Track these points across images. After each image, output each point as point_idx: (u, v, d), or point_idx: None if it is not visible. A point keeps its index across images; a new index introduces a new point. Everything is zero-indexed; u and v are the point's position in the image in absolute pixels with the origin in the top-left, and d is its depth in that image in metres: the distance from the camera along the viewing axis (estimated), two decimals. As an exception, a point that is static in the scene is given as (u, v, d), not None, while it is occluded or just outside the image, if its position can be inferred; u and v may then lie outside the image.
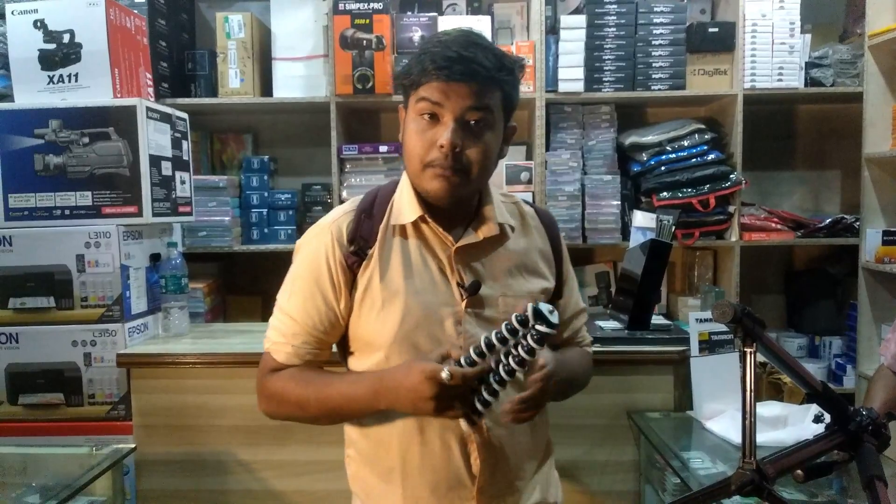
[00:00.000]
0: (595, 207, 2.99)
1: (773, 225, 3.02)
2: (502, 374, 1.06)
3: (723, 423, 1.76)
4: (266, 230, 3.06)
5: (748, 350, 1.02)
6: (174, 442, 2.00)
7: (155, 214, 2.15)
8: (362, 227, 1.19)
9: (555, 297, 1.32)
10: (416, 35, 2.98)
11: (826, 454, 1.10)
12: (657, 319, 2.18)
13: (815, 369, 3.04)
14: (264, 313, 3.25)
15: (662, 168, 2.93)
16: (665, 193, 2.91)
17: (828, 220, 3.02)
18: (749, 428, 1.01)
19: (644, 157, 2.96)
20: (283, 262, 3.09)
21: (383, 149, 2.98)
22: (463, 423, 1.14)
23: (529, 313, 1.04)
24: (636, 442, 1.94)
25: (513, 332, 1.06)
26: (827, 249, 3.21)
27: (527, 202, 1.35)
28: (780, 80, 2.93)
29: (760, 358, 1.07)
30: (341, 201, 2.98)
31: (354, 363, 1.25)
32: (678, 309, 3.03)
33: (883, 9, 2.83)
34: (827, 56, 2.99)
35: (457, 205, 1.19)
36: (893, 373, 1.78)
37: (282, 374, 1.22)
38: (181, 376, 2.00)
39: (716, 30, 2.94)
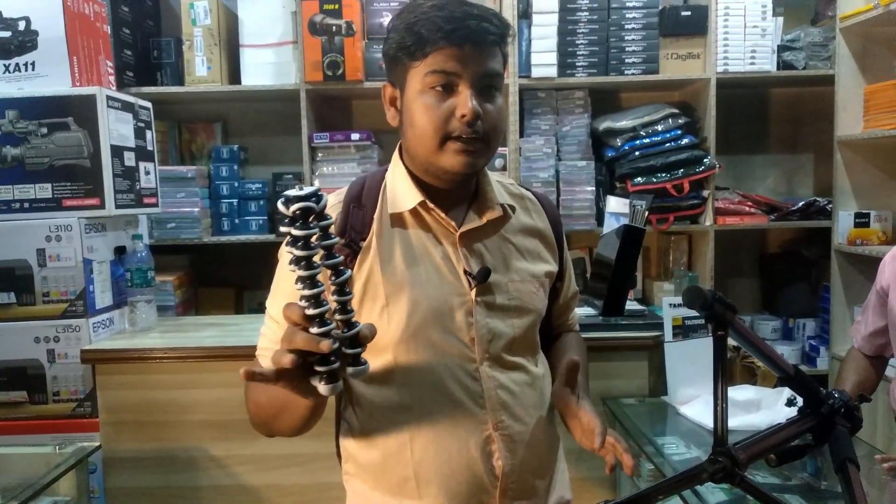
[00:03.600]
0: (570, 193, 2.97)
1: (747, 209, 3.02)
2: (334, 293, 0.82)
3: (696, 407, 1.76)
4: (237, 221, 3.01)
5: (719, 335, 1.00)
6: (143, 438, 1.96)
7: (118, 206, 2.09)
8: (353, 218, 1.09)
9: (556, 280, 1.26)
10: (387, 20, 2.92)
11: (799, 437, 1.09)
12: (632, 305, 2.18)
13: (789, 351, 3.06)
14: (237, 305, 3.21)
15: (636, 153, 2.91)
16: (639, 178, 2.90)
17: (801, 204, 3.03)
18: (721, 414, 1.00)
19: (618, 142, 2.95)
20: (255, 252, 3.15)
21: (355, 136, 2.93)
22: (322, 388, 0.81)
23: (292, 200, 0.78)
24: (611, 428, 1.93)
25: (296, 241, 0.79)
26: (800, 232, 3.23)
27: (523, 185, 1.28)
28: (752, 63, 2.93)
29: (734, 342, 1.06)
30: (313, 190, 2.94)
31: None
32: (654, 294, 3.03)
33: (854, -9, 2.83)
34: (799, 39, 2.99)
35: (464, 183, 1.11)
36: (864, 355, 1.79)
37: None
38: (149, 371, 1.96)
39: (689, 13, 2.93)
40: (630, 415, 1.80)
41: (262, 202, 3.02)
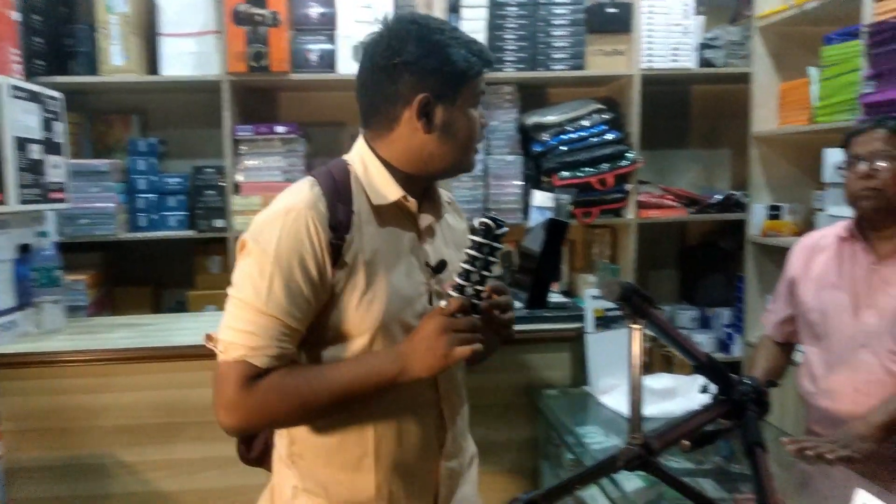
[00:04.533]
0: (498, 188, 2.98)
1: (668, 202, 3.10)
2: (479, 287, 1.12)
3: (617, 397, 1.78)
4: (155, 216, 2.90)
5: (635, 327, 1.01)
6: (49, 446, 1.86)
7: (22, 202, 1.98)
8: (339, 210, 1.14)
9: None
10: (314, 11, 2.87)
11: (711, 423, 1.11)
12: (556, 297, 2.19)
13: (706, 340, 3.15)
14: (155, 304, 3.09)
15: (563, 148, 2.94)
16: (565, 173, 2.93)
17: (719, 197, 3.12)
18: (635, 404, 1.01)
19: (545, 137, 2.97)
20: (174, 249, 3.05)
21: (280, 129, 2.86)
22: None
23: (488, 221, 1.11)
24: (534, 420, 1.94)
25: (479, 246, 1.11)
26: (718, 225, 3.32)
27: None
28: (675, 60, 3.00)
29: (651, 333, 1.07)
30: (236, 184, 2.87)
31: (329, 353, 1.17)
32: (579, 286, 3.07)
33: (770, -9, 2.92)
34: (719, 37, 3.07)
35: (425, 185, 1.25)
36: (774, 342, 1.85)
37: (272, 378, 1.10)
38: (55, 376, 1.86)
39: (614, 10, 2.97)
40: (552, 406, 1.81)
41: (181, 197, 2.92)
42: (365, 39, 1.21)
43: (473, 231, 1.11)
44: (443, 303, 1.10)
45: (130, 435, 1.87)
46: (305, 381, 1.12)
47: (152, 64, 2.89)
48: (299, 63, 2.87)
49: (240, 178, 2.88)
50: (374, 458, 1.19)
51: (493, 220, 1.11)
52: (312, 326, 1.15)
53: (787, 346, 1.86)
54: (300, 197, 1.13)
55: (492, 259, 1.12)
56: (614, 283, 1.01)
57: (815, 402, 1.69)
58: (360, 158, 1.20)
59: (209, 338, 1.17)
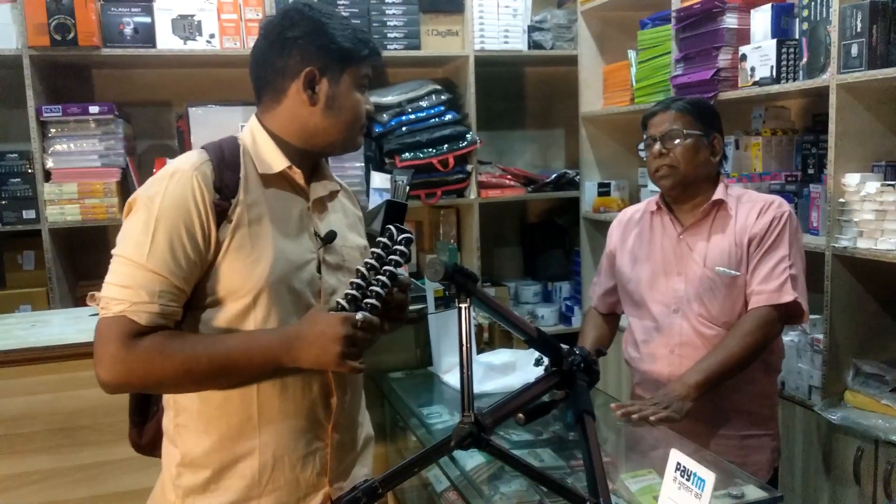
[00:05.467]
0: (339, 170, 2.91)
1: (508, 182, 3.19)
2: (380, 290, 1.15)
3: (459, 375, 1.80)
4: (-48, 209, 2.57)
5: (462, 305, 1.01)
6: None
7: None
8: (224, 175, 1.19)
9: None
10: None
11: (546, 395, 1.15)
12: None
13: (549, 312, 3.29)
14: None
15: (403, 129, 2.93)
16: (407, 154, 2.92)
17: (554, 176, 3.26)
18: (466, 381, 1.01)
19: (385, 117, 2.94)
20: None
21: (94, 109, 2.62)
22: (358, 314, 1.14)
23: (394, 230, 1.17)
24: (381, 405, 1.93)
25: (384, 248, 1.16)
26: (555, 202, 3.47)
27: None
28: (506, 42, 3.07)
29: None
30: (46, 171, 2.60)
31: (212, 315, 1.18)
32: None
33: (593, -24, 3.06)
34: (546, 20, 3.18)
35: (313, 160, 1.30)
36: (599, 313, 1.95)
37: (154, 338, 1.12)
38: None
39: (446, -10, 2.99)
40: (397, 388, 1.80)
41: (-16, 186, 2.61)
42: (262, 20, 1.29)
43: (380, 235, 1.18)
44: (360, 315, 1.12)
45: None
46: (190, 345, 1.13)
47: (-64, 35, 2.54)
48: (112, 37, 2.63)
49: (50, 163, 2.61)
50: (257, 421, 1.20)
51: (398, 227, 1.18)
52: (196, 288, 1.17)
53: (611, 317, 1.96)
54: (186, 160, 1.19)
55: (395, 263, 1.17)
56: (437, 263, 1.00)
57: (638, 367, 1.80)
58: (250, 132, 1.27)
59: (92, 297, 1.18)
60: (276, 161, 1.23)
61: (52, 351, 1.71)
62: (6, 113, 2.74)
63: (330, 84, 1.24)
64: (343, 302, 1.14)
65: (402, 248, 1.17)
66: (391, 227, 1.18)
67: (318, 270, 1.24)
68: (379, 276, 1.15)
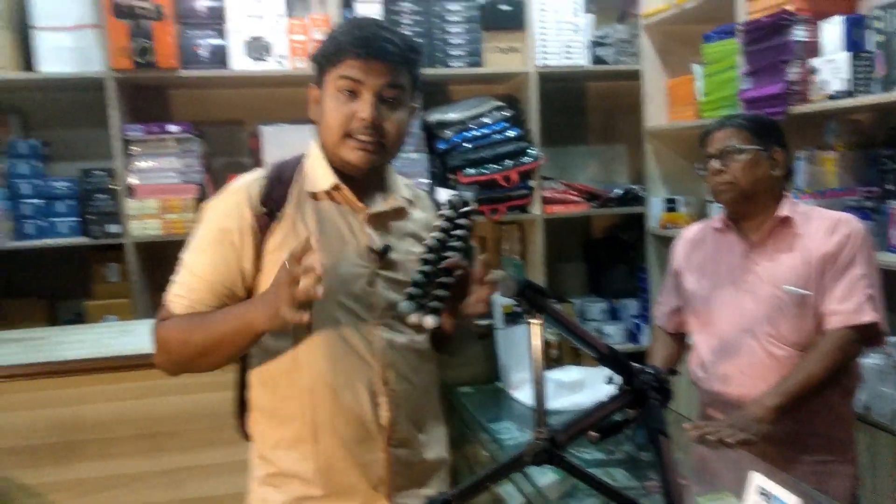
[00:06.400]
0: (404, 186, 2.97)
1: (571, 197, 3.18)
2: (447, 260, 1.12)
3: (528, 391, 1.81)
4: (43, 223, 2.73)
5: (534, 322, 1.03)
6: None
7: None
8: (274, 191, 1.25)
9: None
10: (200, 4, 2.77)
11: (617, 413, 1.15)
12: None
13: (616, 330, 3.25)
14: (52, 316, 2.92)
15: (467, 145, 2.97)
16: (470, 170, 2.96)
17: (618, 191, 3.24)
18: (539, 398, 1.03)
19: (449, 134, 2.99)
20: (68, 257, 2.87)
21: (174, 129, 2.75)
22: (428, 319, 1.09)
23: (456, 199, 1.14)
24: (449, 418, 1.95)
25: (445, 226, 1.13)
26: (619, 218, 3.44)
27: (417, 185, 1.46)
28: (568, 58, 3.08)
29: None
30: (129, 187, 2.73)
31: None
32: (489, 282, 3.11)
33: (655, -10, 3.05)
34: (608, 35, 3.18)
35: (369, 175, 1.27)
36: (665, 332, 1.94)
37: (171, 320, 1.25)
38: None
39: (508, 8, 3.02)
40: (466, 403, 1.82)
41: (71, 202, 2.75)
42: None
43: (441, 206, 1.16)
44: (286, 254, 1.10)
45: (27, 456, 1.78)
46: (189, 320, 1.23)
47: (27, 59, 2.70)
48: (188, 59, 2.76)
49: (133, 180, 2.74)
50: (311, 427, 1.24)
51: (460, 197, 1.15)
52: (250, 296, 1.25)
53: (679, 336, 1.94)
54: (243, 178, 1.29)
55: (457, 233, 1.13)
56: (510, 279, 1.02)
57: (706, 387, 1.78)
58: (311, 148, 1.30)
59: None
60: (323, 178, 1.26)
61: (141, 359, 1.80)
62: (91, 132, 2.88)
63: (320, 90, 1.25)
64: (404, 302, 1.10)
65: (464, 220, 1.14)
66: (450, 198, 1.15)
67: (371, 284, 1.25)
68: (443, 256, 1.11)
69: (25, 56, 2.70)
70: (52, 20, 2.66)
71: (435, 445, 1.37)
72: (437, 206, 1.41)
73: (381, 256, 1.26)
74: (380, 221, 1.29)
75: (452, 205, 1.14)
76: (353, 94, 1.20)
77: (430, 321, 1.09)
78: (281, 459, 1.27)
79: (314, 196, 1.27)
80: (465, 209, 1.14)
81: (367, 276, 1.25)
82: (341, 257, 1.24)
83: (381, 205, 1.29)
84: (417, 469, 1.31)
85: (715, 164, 1.70)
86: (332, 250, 1.24)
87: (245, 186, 1.26)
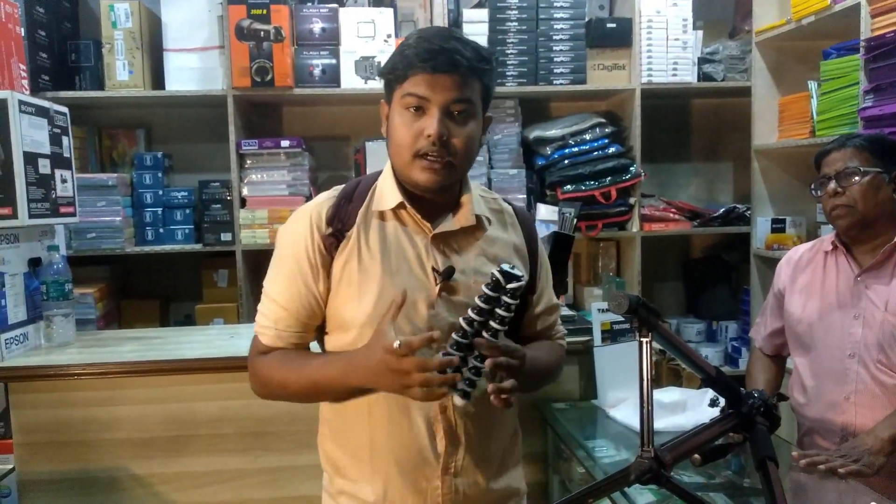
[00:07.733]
0: (502, 201, 2.99)
1: (672, 215, 3.12)
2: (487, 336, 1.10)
3: (625, 410, 1.79)
4: (161, 230, 2.92)
5: (644, 340, 1.02)
6: (60, 459, 1.87)
7: (32, 216, 1.99)
8: (341, 211, 1.23)
9: (528, 292, 1.32)
10: (317, 27, 2.90)
11: (721, 437, 1.12)
12: (563, 310, 2.20)
13: (713, 353, 3.16)
14: (163, 318, 3.11)
15: (566, 161, 2.97)
16: (569, 186, 2.95)
17: (721, 210, 3.15)
18: (646, 417, 1.02)
19: (548, 150, 3.00)
20: (180, 262, 3.06)
21: (285, 143, 2.88)
22: (457, 399, 1.12)
23: (499, 276, 1.09)
24: (544, 434, 1.95)
25: (488, 300, 1.10)
26: (721, 238, 3.35)
27: (506, 200, 1.38)
28: (674, 74, 3.03)
29: (659, 346, 1.08)
30: (242, 198, 2.89)
31: (329, 342, 1.28)
32: (584, 299, 3.09)
33: (769, 6, 2.95)
34: (717, 52, 3.11)
35: (440, 193, 1.23)
36: (765, 354, 1.87)
37: (268, 357, 1.26)
38: (66, 389, 1.87)
39: (613, 25, 3.01)
40: (561, 419, 1.81)
41: (187, 211, 2.94)
42: None
43: (487, 284, 1.11)
44: (396, 342, 1.08)
45: (139, 448, 1.88)
46: (287, 366, 1.23)
47: (157, 79, 2.91)
48: (303, 78, 2.89)
49: (245, 192, 2.90)
50: (368, 449, 1.24)
51: (506, 273, 1.09)
52: (325, 315, 1.25)
53: (778, 359, 1.87)
54: (317, 199, 1.28)
55: (500, 312, 1.10)
56: (622, 296, 1.01)
57: (806, 413, 1.70)
58: (386, 166, 1.27)
59: None
60: (390, 198, 1.23)
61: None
62: (211, 147, 3.08)
63: (389, 107, 1.21)
64: (449, 347, 1.10)
65: (508, 299, 1.09)
66: (497, 272, 1.09)
67: (432, 307, 1.20)
68: (479, 318, 1.09)
69: (155, 76, 2.91)
70: (182, 42, 2.86)
71: (505, 477, 1.31)
72: (525, 224, 1.36)
73: (445, 278, 1.21)
74: (447, 241, 1.24)
75: (497, 282, 1.09)
76: (419, 111, 1.16)
77: (458, 401, 1.11)
78: (343, 477, 1.27)
79: (381, 215, 1.24)
80: (512, 286, 1.08)
81: (428, 299, 1.21)
82: (404, 278, 1.20)
83: (449, 223, 1.23)
84: (480, 500, 1.26)
85: (832, 185, 1.63)
86: (394, 271, 1.21)
87: (314, 207, 1.25)
